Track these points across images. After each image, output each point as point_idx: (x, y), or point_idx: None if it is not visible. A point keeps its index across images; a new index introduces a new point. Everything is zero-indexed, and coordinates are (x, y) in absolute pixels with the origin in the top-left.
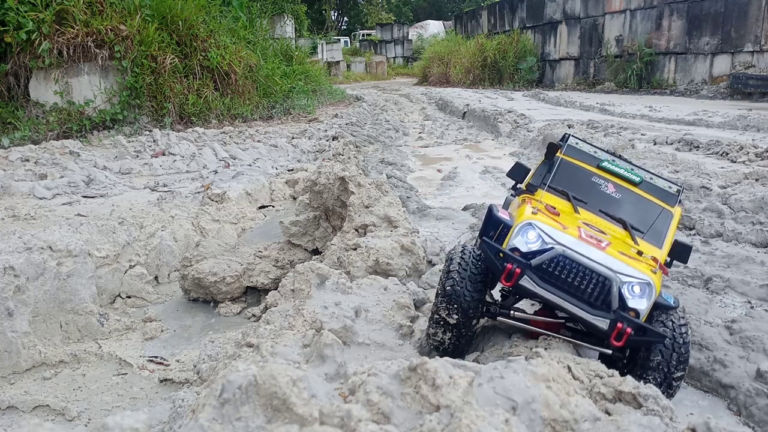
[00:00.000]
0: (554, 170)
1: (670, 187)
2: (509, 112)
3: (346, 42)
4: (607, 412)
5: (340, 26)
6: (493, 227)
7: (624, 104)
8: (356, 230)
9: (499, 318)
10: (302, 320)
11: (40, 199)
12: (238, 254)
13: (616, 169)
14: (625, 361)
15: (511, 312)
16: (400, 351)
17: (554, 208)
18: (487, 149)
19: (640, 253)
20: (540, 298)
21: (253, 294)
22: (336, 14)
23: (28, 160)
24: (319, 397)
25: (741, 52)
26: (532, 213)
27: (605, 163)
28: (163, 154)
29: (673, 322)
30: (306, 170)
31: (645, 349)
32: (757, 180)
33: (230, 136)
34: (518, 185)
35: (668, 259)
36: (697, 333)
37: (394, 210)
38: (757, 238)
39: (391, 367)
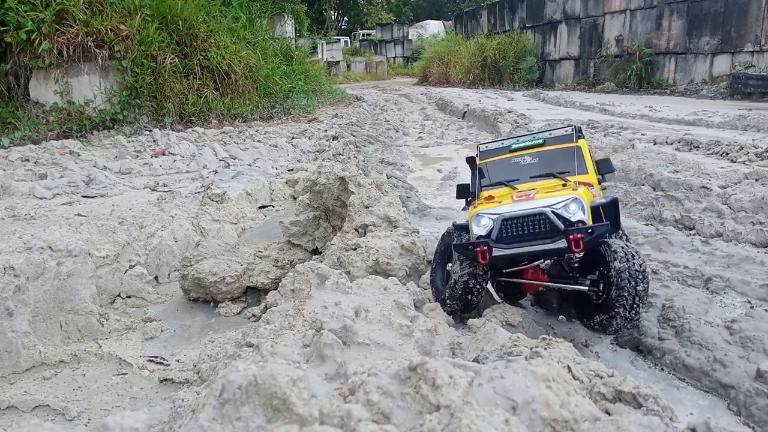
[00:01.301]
0: (481, 173)
1: (566, 131)
2: (509, 112)
3: (346, 42)
4: (607, 412)
5: (340, 26)
6: (461, 230)
7: (624, 104)
8: (356, 230)
9: (497, 278)
10: (302, 320)
11: (40, 199)
12: (238, 254)
13: (523, 144)
14: (600, 293)
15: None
16: (400, 351)
17: (492, 197)
18: None
19: (564, 185)
20: (513, 256)
21: (253, 294)
22: (336, 14)
23: (28, 160)
24: (319, 397)
25: (741, 52)
26: (474, 207)
27: (514, 146)
28: (163, 154)
29: (622, 241)
30: (306, 170)
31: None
32: (757, 180)
33: (230, 136)
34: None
35: (600, 177)
36: (697, 333)
37: (394, 210)
38: (757, 238)
39: (391, 367)
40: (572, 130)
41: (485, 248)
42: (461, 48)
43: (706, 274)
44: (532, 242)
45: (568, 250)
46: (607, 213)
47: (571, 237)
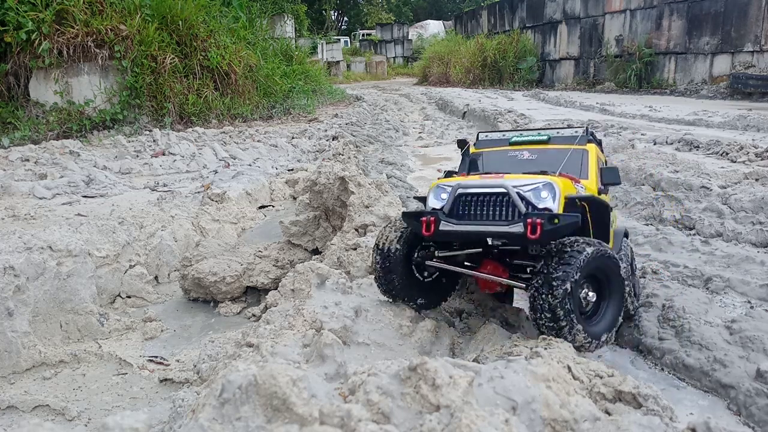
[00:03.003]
0: (474, 164)
1: (576, 132)
2: (509, 111)
3: (346, 42)
4: (607, 412)
5: (340, 26)
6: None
7: (624, 104)
8: (356, 230)
9: (427, 262)
10: (302, 320)
11: (40, 199)
12: (238, 254)
13: (525, 138)
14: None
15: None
16: (400, 351)
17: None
18: None
19: (545, 173)
20: (462, 234)
21: (253, 294)
22: (336, 14)
23: (28, 160)
24: (319, 397)
25: (741, 52)
26: (438, 179)
27: (514, 138)
28: (163, 154)
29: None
30: (306, 170)
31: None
32: (757, 180)
33: (230, 136)
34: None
35: (602, 187)
36: (697, 333)
37: (394, 210)
38: (757, 238)
39: (391, 367)
40: (583, 132)
41: (432, 219)
42: (461, 48)
43: (706, 274)
44: (487, 222)
45: (523, 236)
46: (596, 223)
47: (528, 221)
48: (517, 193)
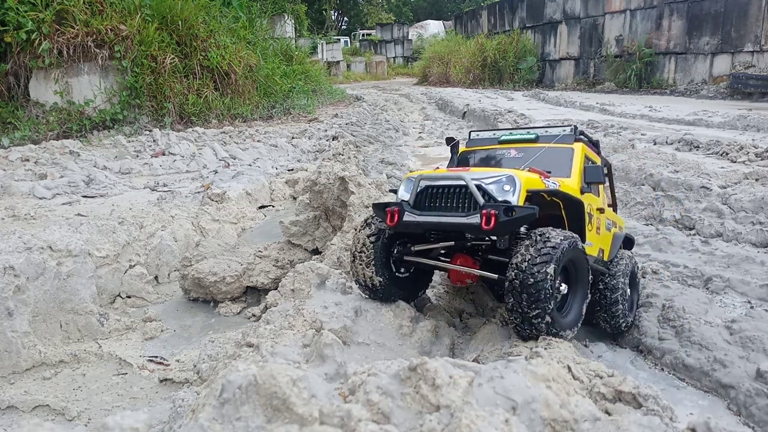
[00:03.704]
0: (463, 161)
1: (564, 131)
2: (509, 112)
3: (346, 42)
4: (607, 412)
5: (340, 26)
6: None
7: (624, 104)
8: (356, 230)
9: (405, 257)
10: (302, 320)
11: (40, 199)
12: (238, 254)
13: (514, 137)
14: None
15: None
16: (400, 351)
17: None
18: None
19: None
20: (423, 224)
21: (253, 294)
22: (336, 14)
23: (28, 160)
24: (319, 397)
25: (741, 52)
26: (410, 171)
27: (503, 137)
28: (163, 154)
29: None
30: (306, 170)
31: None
32: (757, 180)
33: (230, 136)
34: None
35: (585, 186)
36: (697, 333)
37: None
38: (757, 238)
39: (391, 367)
40: (571, 131)
41: (396, 210)
42: (461, 48)
43: (706, 274)
44: (446, 214)
45: (478, 227)
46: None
47: (483, 212)
48: (479, 185)
